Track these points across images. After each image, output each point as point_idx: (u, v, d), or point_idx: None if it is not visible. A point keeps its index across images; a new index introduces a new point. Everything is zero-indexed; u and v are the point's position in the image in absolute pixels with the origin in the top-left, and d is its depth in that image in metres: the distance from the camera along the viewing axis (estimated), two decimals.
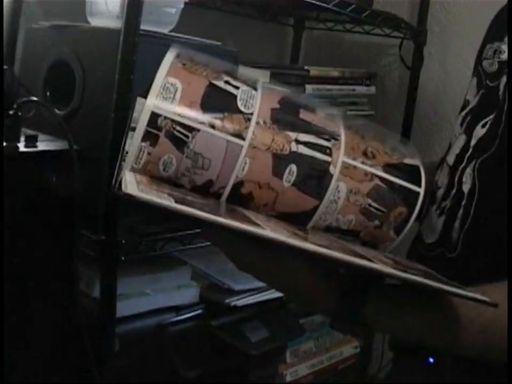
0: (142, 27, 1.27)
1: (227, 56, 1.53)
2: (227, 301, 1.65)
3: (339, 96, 2.05)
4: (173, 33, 1.45)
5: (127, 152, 0.74)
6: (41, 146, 1.09)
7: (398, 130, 2.18)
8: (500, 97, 0.94)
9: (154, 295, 1.54)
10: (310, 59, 2.47)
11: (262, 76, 1.81)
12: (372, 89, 2.18)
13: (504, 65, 0.96)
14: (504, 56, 0.98)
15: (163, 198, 0.66)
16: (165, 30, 1.47)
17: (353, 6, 1.85)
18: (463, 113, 1.06)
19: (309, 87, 1.91)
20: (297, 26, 2.44)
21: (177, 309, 1.60)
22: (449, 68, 2.21)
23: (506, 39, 0.99)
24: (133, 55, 1.22)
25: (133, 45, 1.22)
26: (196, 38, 1.47)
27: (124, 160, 0.74)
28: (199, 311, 1.65)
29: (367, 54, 2.40)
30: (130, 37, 1.22)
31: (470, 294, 0.68)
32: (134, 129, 0.75)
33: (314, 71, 1.94)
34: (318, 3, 1.73)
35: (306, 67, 1.94)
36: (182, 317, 1.60)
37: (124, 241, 1.29)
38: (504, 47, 0.98)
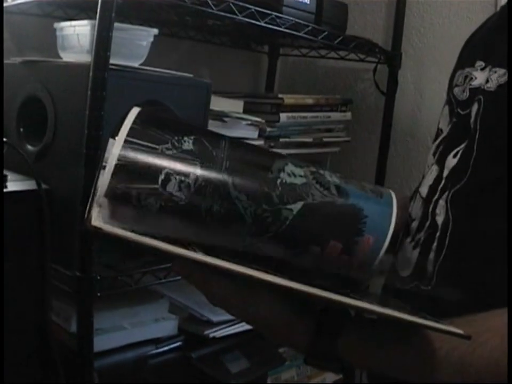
0: (112, 61, 1.28)
1: (199, 88, 1.55)
2: (206, 332, 1.66)
3: (314, 123, 2.07)
4: (144, 67, 1.47)
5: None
6: (11, 186, 1.09)
7: (374, 156, 2.21)
8: (472, 126, 0.93)
9: (132, 329, 1.55)
10: (285, 86, 2.51)
11: (235, 106, 1.83)
12: (348, 115, 2.20)
13: (475, 92, 0.96)
14: (475, 83, 0.97)
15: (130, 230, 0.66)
16: (136, 63, 1.49)
17: (325, 33, 1.88)
18: (436, 142, 1.05)
19: (283, 115, 1.93)
20: (271, 53, 2.47)
21: (156, 342, 1.61)
22: (425, 92, 2.23)
23: (477, 64, 0.99)
24: (103, 90, 1.23)
25: (103, 81, 1.24)
26: (167, 71, 1.48)
27: (95, 196, 0.74)
28: (179, 343, 1.65)
29: (342, 80, 2.43)
30: (100, 72, 1.23)
31: (445, 327, 0.69)
32: (105, 167, 0.75)
33: (288, 99, 1.96)
34: (290, 31, 1.76)
35: (280, 95, 1.96)
36: (161, 350, 1.61)
37: (99, 277, 1.29)
38: (476, 73, 0.98)
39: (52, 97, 1.31)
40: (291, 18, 1.76)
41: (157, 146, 0.75)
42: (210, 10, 1.50)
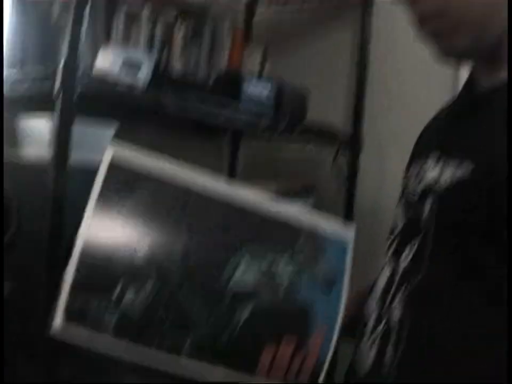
0: (74, 155, 1.29)
1: None
2: None
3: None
4: None
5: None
6: None
7: None
8: (425, 221, 0.93)
9: None
10: (247, 174, 2.54)
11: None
12: (310, 202, 2.23)
13: (429, 186, 0.95)
14: (429, 176, 0.96)
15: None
16: (98, 156, 1.50)
17: (285, 123, 1.93)
18: (392, 236, 1.04)
19: None
20: (233, 142, 2.51)
21: None
22: (387, 175, 2.27)
23: (431, 156, 0.98)
24: (63, 189, 1.24)
25: (63, 181, 1.26)
26: None
27: (59, 299, 0.75)
28: None
29: (304, 165, 2.47)
30: (60, 170, 1.25)
31: None
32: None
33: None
34: (248, 125, 1.81)
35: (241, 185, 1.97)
36: None
37: None
38: (430, 166, 0.97)
39: (16, 194, 1.32)
40: (250, 110, 1.81)
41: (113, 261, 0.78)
42: (163, 111, 1.54)
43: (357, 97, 2.30)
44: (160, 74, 1.64)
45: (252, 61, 2.37)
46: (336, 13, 2.45)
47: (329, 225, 0.81)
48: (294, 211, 0.81)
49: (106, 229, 0.83)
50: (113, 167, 0.86)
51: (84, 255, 0.77)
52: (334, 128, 2.24)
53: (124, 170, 0.87)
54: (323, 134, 2.18)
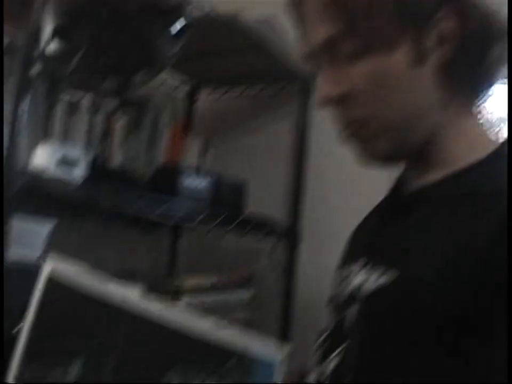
0: (13, 251, 1.30)
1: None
2: None
3: (215, 303, 2.10)
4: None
5: None
6: None
7: (276, 334, 2.23)
8: (348, 328, 0.93)
9: None
10: (187, 265, 2.54)
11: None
12: (249, 292, 2.24)
13: (355, 292, 0.95)
14: (356, 282, 0.95)
15: None
16: (36, 253, 1.50)
17: (223, 216, 1.95)
18: (321, 339, 1.03)
19: (183, 299, 1.95)
20: (172, 234, 2.52)
21: None
22: (324, 267, 2.26)
23: (359, 261, 0.98)
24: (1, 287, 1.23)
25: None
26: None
27: None
28: None
29: (244, 257, 2.48)
30: None
31: None
32: None
33: (189, 281, 2.00)
34: (188, 214, 1.83)
35: (181, 278, 1.99)
36: None
37: None
38: (356, 272, 0.97)
39: None
40: (187, 204, 1.84)
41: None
42: (100, 207, 1.55)
43: (295, 189, 2.36)
44: (97, 170, 1.65)
45: (192, 152, 2.41)
46: (276, 102, 2.52)
47: (261, 347, 0.82)
48: (226, 332, 0.82)
49: (41, 344, 0.85)
50: (51, 281, 0.87)
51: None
52: (272, 220, 2.27)
53: (61, 286, 0.88)
54: (262, 226, 2.21)
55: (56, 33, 1.27)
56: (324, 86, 0.93)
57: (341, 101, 0.92)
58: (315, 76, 0.98)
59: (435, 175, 0.93)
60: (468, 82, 0.94)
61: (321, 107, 0.94)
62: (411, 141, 0.94)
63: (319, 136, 2.40)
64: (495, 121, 2.18)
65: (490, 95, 0.97)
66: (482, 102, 0.98)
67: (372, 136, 0.93)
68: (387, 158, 0.97)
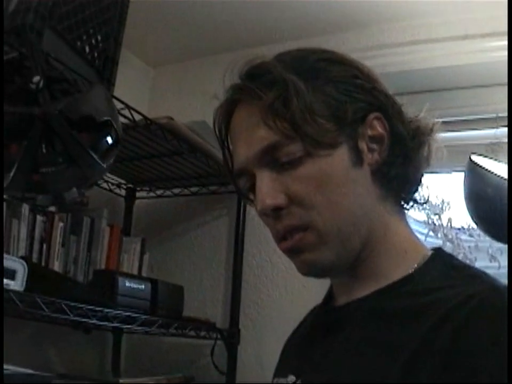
0: None
1: None
2: None
3: None
4: None
5: None
6: None
7: None
8: None
9: None
10: (130, 362, 2.55)
11: None
12: None
13: None
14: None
15: None
16: None
17: (161, 319, 1.98)
18: None
19: None
20: (114, 337, 2.52)
21: None
22: (265, 363, 2.30)
23: (289, 378, 0.97)
24: None
25: None
26: (10, 368, 1.50)
27: None
28: None
29: (185, 355, 2.48)
30: None
31: None
32: None
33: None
34: (126, 317, 1.84)
35: (121, 380, 1.99)
36: None
37: None
38: (284, 380, 0.97)
39: None
40: (125, 308, 1.86)
41: None
42: (42, 313, 1.57)
43: (233, 290, 2.39)
44: (37, 277, 1.67)
45: (130, 254, 2.44)
46: (212, 202, 2.58)
47: None
48: None
49: None
50: None
51: None
52: (211, 321, 2.30)
53: None
54: (200, 328, 2.23)
55: None
56: (260, 196, 0.91)
57: (278, 212, 0.91)
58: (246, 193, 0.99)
59: (364, 289, 0.93)
60: (400, 182, 0.96)
61: (261, 215, 0.93)
62: (351, 249, 0.92)
63: (256, 237, 2.45)
64: (435, 208, 2.29)
65: (419, 190, 1.00)
66: (412, 201, 1.00)
67: (312, 246, 0.91)
68: (324, 271, 0.95)
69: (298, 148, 0.89)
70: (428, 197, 1.03)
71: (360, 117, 0.92)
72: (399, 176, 0.95)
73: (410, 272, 0.91)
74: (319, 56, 0.95)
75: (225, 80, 0.96)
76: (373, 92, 0.94)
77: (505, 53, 2.03)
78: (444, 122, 1.02)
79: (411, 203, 1.01)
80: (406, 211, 1.01)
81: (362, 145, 0.93)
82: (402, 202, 1.00)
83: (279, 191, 0.91)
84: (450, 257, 0.96)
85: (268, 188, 0.91)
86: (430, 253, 0.96)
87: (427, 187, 1.05)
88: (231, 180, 1.01)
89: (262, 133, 0.90)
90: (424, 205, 1.09)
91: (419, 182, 1.00)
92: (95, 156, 1.32)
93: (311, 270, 0.94)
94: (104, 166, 1.36)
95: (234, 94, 0.96)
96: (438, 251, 0.97)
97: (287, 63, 0.93)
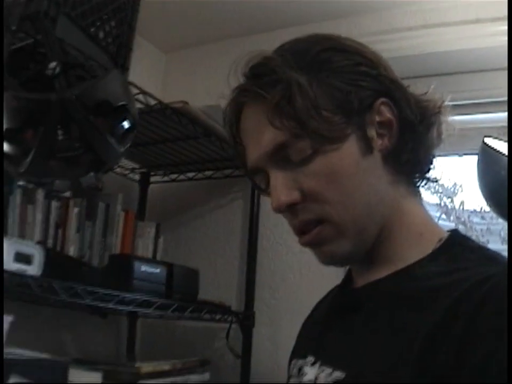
0: None
1: (54, 369, 1.59)
2: None
3: None
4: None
5: None
6: None
7: None
8: None
9: None
10: (145, 347, 2.56)
11: (94, 377, 1.86)
12: (206, 376, 2.26)
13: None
14: (306, 378, 0.95)
15: None
16: None
17: (177, 302, 1.99)
18: None
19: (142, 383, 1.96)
20: (129, 320, 2.55)
21: None
22: (280, 346, 2.33)
23: (308, 359, 0.99)
24: None
25: None
26: (27, 353, 1.52)
27: None
28: None
29: (200, 339, 2.51)
30: None
31: None
32: None
33: (145, 367, 2.01)
34: (142, 301, 1.86)
35: (137, 364, 2.01)
36: None
37: None
38: (307, 368, 0.98)
39: None
40: (141, 292, 1.89)
41: None
42: (57, 297, 1.59)
43: (248, 275, 2.40)
44: (53, 263, 1.69)
45: (145, 238, 2.46)
46: (226, 186, 2.59)
47: None
48: None
49: None
50: None
51: None
52: (226, 304, 2.32)
53: None
54: (215, 311, 2.25)
55: (7, 136, 1.32)
56: (275, 195, 0.92)
57: (293, 207, 0.92)
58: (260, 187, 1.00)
59: (381, 272, 0.94)
60: (411, 164, 0.97)
61: (276, 212, 0.94)
62: (368, 238, 0.94)
63: (270, 220, 2.46)
64: (448, 191, 2.29)
65: (432, 171, 1.01)
66: (425, 180, 1.01)
67: (330, 238, 0.93)
68: (344, 261, 0.98)
69: (307, 145, 0.90)
70: (440, 177, 1.03)
71: (368, 104, 0.93)
72: (410, 160, 0.96)
73: (426, 254, 0.92)
74: (321, 47, 0.95)
75: (229, 79, 0.96)
76: (378, 77, 0.94)
77: None
78: (456, 106, 1.02)
79: (424, 182, 1.01)
80: (419, 192, 1.02)
81: (372, 133, 0.93)
82: (415, 184, 1.00)
83: (292, 188, 0.92)
84: (466, 239, 0.97)
85: (282, 186, 0.92)
86: (446, 234, 0.96)
87: (440, 171, 1.04)
88: (248, 177, 1.03)
89: (270, 133, 0.91)
90: (437, 184, 1.09)
91: (431, 163, 1.00)
92: (111, 141, 1.33)
93: (331, 260, 0.96)
94: (121, 150, 1.37)
95: (240, 97, 0.96)
96: (454, 233, 0.97)
97: (288, 59, 0.93)
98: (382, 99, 0.94)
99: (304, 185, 0.91)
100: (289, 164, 0.92)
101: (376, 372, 0.83)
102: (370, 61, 0.96)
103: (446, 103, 1.00)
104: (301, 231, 0.95)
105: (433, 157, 1.00)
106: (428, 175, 1.01)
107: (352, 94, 0.91)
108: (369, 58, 0.96)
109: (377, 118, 0.93)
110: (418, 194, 1.01)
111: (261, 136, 0.92)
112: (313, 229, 0.93)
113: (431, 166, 1.00)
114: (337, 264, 0.98)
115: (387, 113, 0.94)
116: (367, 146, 0.92)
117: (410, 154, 0.95)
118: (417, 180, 1.00)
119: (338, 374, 0.88)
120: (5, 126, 1.31)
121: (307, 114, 0.89)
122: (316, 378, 0.93)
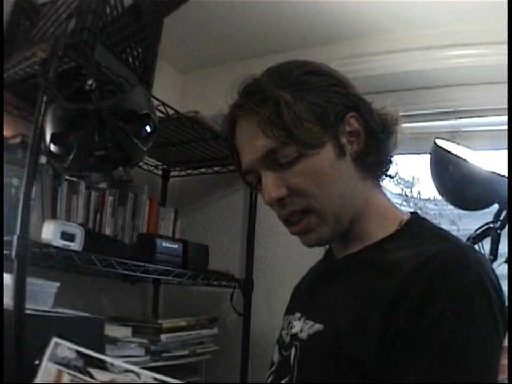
0: (27, 306, 1.34)
1: (94, 323, 1.60)
2: None
3: (189, 339, 2.12)
4: (51, 310, 1.53)
5: None
6: None
7: (236, 363, 2.27)
8: (291, 365, 0.92)
9: None
10: (166, 307, 2.56)
11: (125, 331, 1.87)
12: (215, 330, 2.26)
13: (293, 338, 0.95)
14: (294, 330, 0.96)
15: None
16: (46, 306, 1.55)
17: (191, 272, 2.00)
18: (268, 372, 1.02)
19: (163, 336, 1.98)
20: (154, 286, 2.55)
21: None
22: (275, 309, 2.32)
23: (296, 314, 0.99)
24: (22, 331, 1.27)
25: (21, 324, 1.28)
26: (69, 313, 1.53)
27: None
28: None
29: (209, 301, 2.51)
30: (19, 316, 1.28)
31: None
32: None
33: (166, 324, 2.03)
34: (163, 271, 1.86)
35: (160, 321, 2.02)
36: None
37: None
38: (294, 322, 0.98)
39: None
40: (163, 264, 1.90)
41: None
42: (96, 268, 1.59)
43: (248, 249, 2.39)
44: (92, 240, 1.70)
45: (166, 221, 2.46)
46: (230, 180, 2.58)
47: None
48: None
49: None
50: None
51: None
52: (230, 273, 2.32)
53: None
54: (221, 279, 2.26)
55: (53, 139, 1.32)
56: (267, 191, 0.93)
57: (282, 201, 0.93)
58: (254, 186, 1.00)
59: (355, 248, 0.96)
60: (375, 164, 0.97)
61: (268, 205, 0.96)
62: (344, 222, 0.94)
63: (266, 207, 2.43)
64: (407, 182, 2.28)
65: (392, 169, 1.01)
66: (386, 176, 1.02)
67: (315, 226, 0.93)
68: (325, 243, 0.99)
69: (293, 150, 0.90)
70: (397, 171, 1.04)
71: (340, 117, 0.93)
72: (374, 161, 0.97)
73: (391, 233, 0.94)
74: (301, 70, 0.95)
75: (227, 97, 0.96)
76: (348, 95, 0.95)
77: (462, 60, 2.05)
78: (412, 115, 1.02)
79: (385, 178, 1.02)
80: (382, 185, 1.02)
81: (343, 140, 0.94)
82: (379, 179, 1.01)
83: (281, 185, 0.92)
84: (423, 220, 0.98)
85: (272, 184, 0.93)
86: (407, 217, 0.97)
87: (401, 166, 1.05)
88: (241, 176, 1.03)
89: (262, 141, 0.91)
90: (396, 178, 1.09)
91: (390, 163, 1.01)
92: (137, 142, 1.34)
93: (315, 244, 0.97)
94: (144, 149, 1.38)
95: (235, 111, 0.96)
96: (413, 215, 0.99)
97: (275, 80, 0.93)
98: (352, 113, 0.94)
99: (290, 183, 0.92)
100: (278, 165, 0.92)
101: (348, 324, 0.84)
102: (341, 82, 0.96)
103: (401, 114, 1.00)
104: (287, 220, 0.95)
105: (392, 157, 1.01)
106: (388, 172, 1.02)
107: (328, 109, 0.92)
108: (340, 79, 0.97)
109: (348, 128, 0.94)
110: (381, 186, 1.02)
111: (255, 143, 0.92)
112: (298, 219, 0.94)
113: (391, 165, 1.01)
114: (318, 245, 0.98)
115: (356, 124, 0.95)
116: (340, 151, 0.93)
117: (374, 156, 0.96)
118: (380, 176, 1.01)
119: (318, 326, 0.90)
120: (52, 131, 1.33)
121: (293, 125, 0.89)
122: (301, 330, 0.94)
